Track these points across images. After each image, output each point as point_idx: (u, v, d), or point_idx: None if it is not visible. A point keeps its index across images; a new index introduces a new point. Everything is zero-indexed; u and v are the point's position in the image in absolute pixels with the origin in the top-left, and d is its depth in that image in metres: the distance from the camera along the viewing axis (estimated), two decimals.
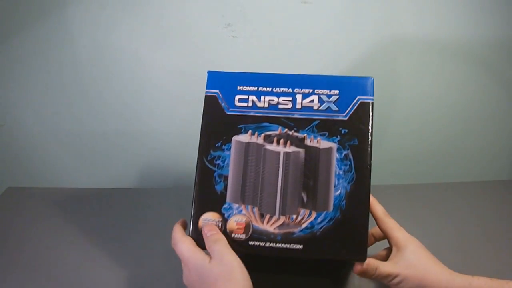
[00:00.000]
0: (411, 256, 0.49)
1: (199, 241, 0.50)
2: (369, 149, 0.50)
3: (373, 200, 0.55)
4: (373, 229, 0.56)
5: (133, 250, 0.64)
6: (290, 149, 0.51)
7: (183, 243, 0.48)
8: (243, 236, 0.50)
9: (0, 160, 0.83)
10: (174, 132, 0.82)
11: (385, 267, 0.49)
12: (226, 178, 0.51)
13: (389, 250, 0.53)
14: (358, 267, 0.49)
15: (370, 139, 0.50)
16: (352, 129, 0.50)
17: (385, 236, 0.53)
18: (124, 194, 0.81)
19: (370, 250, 0.55)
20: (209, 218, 0.51)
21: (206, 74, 0.54)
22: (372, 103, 0.51)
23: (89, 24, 0.78)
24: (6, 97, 0.80)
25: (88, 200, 0.78)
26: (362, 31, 0.77)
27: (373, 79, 0.51)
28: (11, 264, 0.61)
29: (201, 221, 0.51)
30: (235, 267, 0.45)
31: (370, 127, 0.51)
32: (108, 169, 0.85)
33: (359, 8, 0.75)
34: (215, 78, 0.53)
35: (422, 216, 0.71)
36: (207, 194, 0.51)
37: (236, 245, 0.49)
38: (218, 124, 0.52)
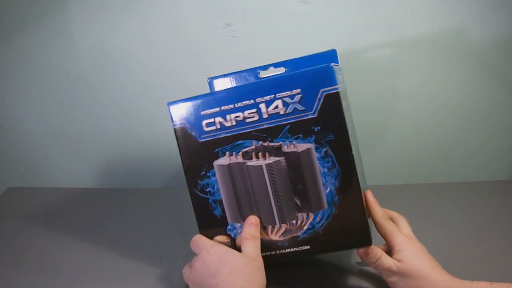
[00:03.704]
0: (408, 262, 0.48)
1: None
2: (347, 139, 0.48)
3: (373, 202, 0.53)
4: None
5: (133, 250, 0.64)
6: (271, 159, 0.50)
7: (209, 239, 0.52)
8: None
9: (0, 160, 0.84)
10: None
11: (387, 260, 0.49)
12: (221, 202, 0.53)
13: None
14: (361, 250, 0.50)
15: (346, 129, 0.48)
16: (325, 125, 0.48)
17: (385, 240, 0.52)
18: (125, 194, 0.82)
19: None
20: (218, 241, 0.53)
21: (167, 107, 0.53)
22: (338, 92, 0.47)
23: (90, 24, 0.77)
24: (6, 97, 0.82)
25: (88, 200, 0.79)
26: (362, 31, 0.73)
27: (332, 67, 0.47)
28: (11, 264, 0.61)
29: None
30: (262, 267, 0.49)
31: (342, 118, 0.48)
32: (108, 169, 0.86)
33: (359, 8, 0.71)
34: (177, 109, 0.52)
35: (420, 216, 0.68)
36: (209, 220, 0.53)
37: None
38: (195, 154, 0.52)
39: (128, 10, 0.77)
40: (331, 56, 0.62)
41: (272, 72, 0.64)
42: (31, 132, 0.84)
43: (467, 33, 0.71)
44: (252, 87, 0.50)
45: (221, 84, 0.65)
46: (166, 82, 0.81)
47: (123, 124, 0.84)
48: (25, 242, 0.66)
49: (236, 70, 0.64)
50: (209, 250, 0.50)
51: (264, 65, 0.63)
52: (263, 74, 0.64)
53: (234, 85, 0.65)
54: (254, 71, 0.64)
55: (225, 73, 0.64)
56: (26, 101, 0.82)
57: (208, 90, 0.66)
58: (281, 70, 0.63)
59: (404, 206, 0.69)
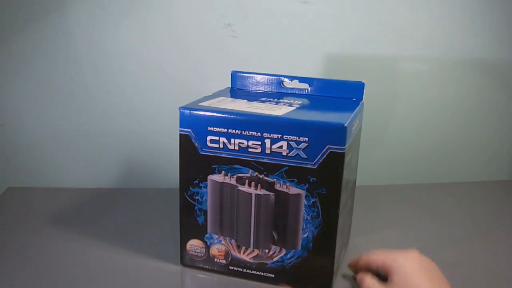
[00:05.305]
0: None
1: (188, 260, 0.58)
2: (338, 198, 0.50)
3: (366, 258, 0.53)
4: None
5: (133, 250, 0.64)
6: (261, 191, 0.52)
7: None
8: (224, 261, 0.56)
9: (1, 160, 0.84)
10: (175, 134, 0.82)
11: None
12: (205, 212, 0.55)
13: None
14: None
15: (339, 188, 0.49)
16: (321, 178, 0.49)
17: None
18: (125, 195, 0.82)
19: None
20: (195, 244, 0.57)
21: (179, 111, 0.53)
22: (343, 153, 0.48)
23: (90, 24, 0.76)
24: (6, 97, 0.81)
25: (88, 200, 0.79)
26: (362, 31, 0.72)
27: (346, 127, 0.47)
28: (11, 265, 0.60)
29: (188, 246, 0.57)
30: None
31: (339, 177, 0.49)
32: (109, 169, 0.86)
33: (359, 8, 0.70)
34: (186, 117, 0.53)
35: (420, 216, 0.69)
36: (191, 224, 0.56)
37: (219, 268, 0.57)
38: (194, 163, 0.54)
39: (127, 10, 0.76)
40: (357, 88, 0.61)
41: (296, 85, 0.63)
42: (31, 132, 0.83)
43: (469, 33, 0.71)
44: (263, 120, 0.50)
45: (242, 81, 0.65)
46: (166, 82, 0.81)
47: (123, 125, 0.84)
48: (25, 242, 0.66)
49: (260, 72, 0.64)
50: None
51: (291, 76, 0.63)
52: (287, 84, 0.63)
53: (254, 89, 0.64)
54: (278, 77, 0.63)
55: (227, 72, 0.65)
56: (26, 101, 0.81)
57: (229, 83, 0.66)
58: (305, 86, 0.63)
59: (404, 206, 0.71)
